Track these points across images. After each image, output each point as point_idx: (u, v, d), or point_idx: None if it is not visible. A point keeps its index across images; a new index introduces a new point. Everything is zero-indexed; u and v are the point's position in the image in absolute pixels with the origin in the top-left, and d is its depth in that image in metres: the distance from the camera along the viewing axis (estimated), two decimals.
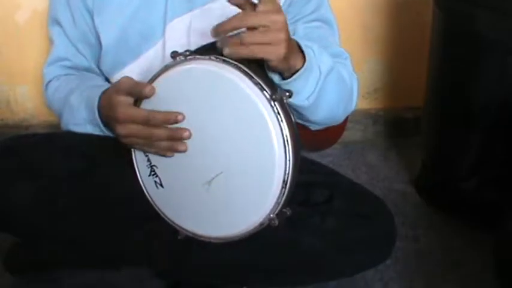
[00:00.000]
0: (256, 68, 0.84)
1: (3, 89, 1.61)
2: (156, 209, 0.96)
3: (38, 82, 1.53)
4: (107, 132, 1.01)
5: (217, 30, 0.81)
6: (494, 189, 1.35)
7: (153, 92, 0.87)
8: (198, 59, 0.84)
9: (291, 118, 0.84)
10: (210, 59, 0.84)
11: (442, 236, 1.35)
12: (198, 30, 1.05)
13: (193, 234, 0.94)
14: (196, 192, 0.90)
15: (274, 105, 0.82)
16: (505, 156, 1.31)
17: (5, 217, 1.00)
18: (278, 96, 0.82)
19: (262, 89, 0.82)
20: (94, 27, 1.09)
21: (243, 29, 0.81)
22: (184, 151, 0.88)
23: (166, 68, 0.87)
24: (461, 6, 1.27)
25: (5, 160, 1.00)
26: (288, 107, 0.84)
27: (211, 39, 0.85)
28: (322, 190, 1.07)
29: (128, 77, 0.91)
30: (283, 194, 0.85)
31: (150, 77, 0.89)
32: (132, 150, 0.94)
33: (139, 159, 0.94)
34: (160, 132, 0.88)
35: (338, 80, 0.97)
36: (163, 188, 0.93)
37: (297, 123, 0.90)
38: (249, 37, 0.80)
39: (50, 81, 1.15)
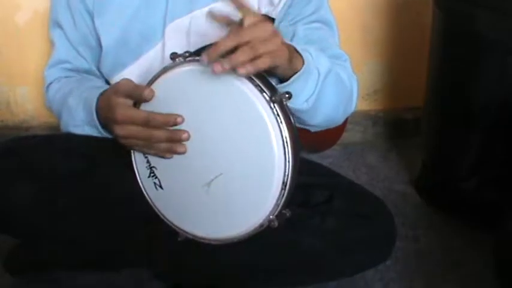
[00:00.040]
0: None
1: (3, 90, 1.61)
2: (156, 210, 0.96)
3: (38, 83, 1.54)
4: (105, 134, 1.01)
5: (212, 54, 0.79)
6: (494, 189, 1.35)
7: (152, 95, 0.87)
8: (197, 60, 0.84)
9: (290, 120, 0.84)
10: None
11: (442, 236, 1.36)
12: (197, 32, 1.05)
13: (193, 235, 0.94)
14: (195, 193, 0.90)
15: (274, 107, 0.82)
16: (505, 156, 1.31)
17: (5, 217, 1.01)
18: (277, 98, 0.82)
19: (261, 91, 0.81)
20: (94, 29, 1.09)
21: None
22: (183, 153, 0.89)
23: (165, 70, 0.87)
24: (461, 6, 1.27)
25: (5, 161, 1.01)
26: (287, 109, 0.84)
27: (210, 41, 0.85)
28: (322, 191, 1.07)
29: (127, 79, 0.91)
30: (283, 195, 0.85)
31: (149, 78, 0.89)
32: (132, 151, 0.94)
33: (138, 160, 0.94)
34: (159, 133, 0.88)
35: (337, 81, 0.97)
36: (163, 190, 0.93)
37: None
38: (263, 47, 0.79)
39: (50, 84, 1.15)
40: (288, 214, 0.88)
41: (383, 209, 1.08)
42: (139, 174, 0.95)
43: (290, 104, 0.87)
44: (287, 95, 0.83)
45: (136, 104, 0.90)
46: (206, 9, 1.06)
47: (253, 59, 0.78)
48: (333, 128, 1.06)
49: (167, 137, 0.88)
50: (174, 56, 0.86)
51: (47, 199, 0.99)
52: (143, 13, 1.07)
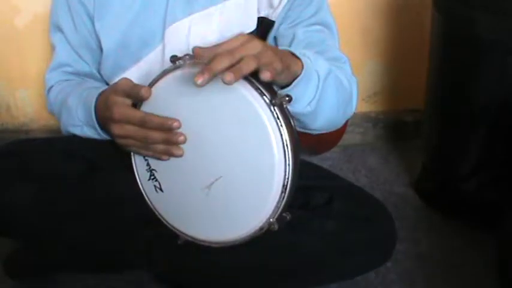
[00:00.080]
0: (256, 73, 0.84)
1: (3, 93, 1.61)
2: (156, 213, 0.96)
3: (38, 87, 1.54)
4: (103, 135, 1.01)
5: (206, 77, 0.76)
6: (495, 190, 1.35)
7: (149, 93, 0.87)
8: (197, 63, 0.84)
9: (290, 123, 0.84)
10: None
11: (443, 238, 1.35)
12: (197, 35, 1.05)
13: (193, 238, 0.94)
14: (196, 196, 0.90)
15: (274, 110, 0.81)
16: (505, 156, 1.31)
17: (5, 219, 1.01)
18: (278, 101, 0.81)
19: (261, 94, 0.81)
20: (95, 32, 1.10)
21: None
22: (180, 155, 0.89)
23: (165, 73, 0.87)
24: (460, 9, 1.27)
25: (5, 162, 1.01)
26: (287, 112, 0.84)
27: (210, 44, 0.85)
28: (321, 193, 1.07)
29: (126, 79, 0.92)
30: (283, 198, 0.85)
31: (149, 80, 0.89)
32: (132, 154, 0.94)
33: (138, 163, 0.94)
34: (156, 135, 0.88)
35: (336, 83, 0.97)
36: (163, 192, 0.93)
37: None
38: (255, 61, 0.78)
39: (51, 87, 1.15)
40: (288, 217, 0.88)
41: (383, 211, 1.08)
42: (139, 177, 0.95)
43: (292, 108, 0.87)
44: (287, 98, 0.83)
45: (137, 105, 0.90)
46: (205, 11, 1.06)
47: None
48: (333, 130, 1.06)
49: (163, 138, 0.88)
50: (174, 59, 0.86)
51: (47, 201, 1.00)
52: (143, 16, 1.07)
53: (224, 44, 0.80)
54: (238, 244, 0.90)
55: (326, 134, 1.05)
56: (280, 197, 0.84)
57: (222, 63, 0.76)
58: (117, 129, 0.90)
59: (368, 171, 1.61)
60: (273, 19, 1.08)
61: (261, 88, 0.82)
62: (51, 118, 1.57)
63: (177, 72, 0.86)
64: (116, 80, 1.08)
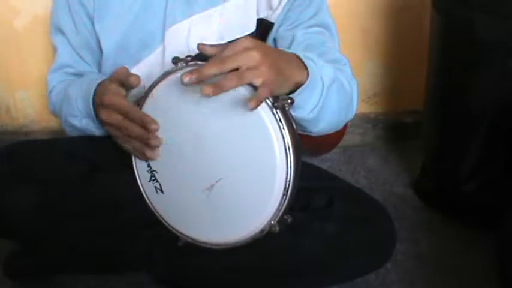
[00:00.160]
0: None
1: (3, 95, 1.60)
2: (157, 214, 0.96)
3: (38, 88, 1.54)
4: (100, 128, 1.01)
5: (193, 79, 0.77)
6: (494, 190, 1.35)
7: (138, 81, 0.90)
8: (199, 64, 0.84)
9: (292, 125, 0.84)
10: None
11: (442, 239, 1.35)
12: (197, 36, 1.05)
13: (194, 240, 0.94)
14: (196, 198, 0.90)
15: (276, 112, 0.81)
16: (505, 157, 1.31)
17: (6, 221, 1.01)
18: (280, 103, 0.81)
19: None
20: (95, 32, 1.10)
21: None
22: (151, 158, 0.91)
23: (166, 74, 0.87)
24: (460, 10, 1.27)
25: (6, 164, 1.01)
26: (290, 115, 0.84)
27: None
28: (321, 195, 1.07)
29: (123, 67, 0.94)
30: (284, 201, 0.85)
31: (150, 82, 0.89)
32: (133, 155, 0.94)
33: (139, 164, 0.94)
34: (136, 129, 0.89)
35: (339, 89, 0.97)
36: (164, 194, 0.93)
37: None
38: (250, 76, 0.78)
39: (53, 88, 1.16)
40: (289, 220, 0.88)
41: (383, 212, 1.08)
42: (140, 178, 0.95)
43: (295, 114, 0.87)
44: (289, 101, 0.83)
45: (139, 104, 0.90)
46: (205, 13, 1.06)
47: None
48: (333, 131, 1.06)
49: (141, 135, 0.89)
50: (176, 60, 0.86)
51: (48, 202, 1.00)
52: (142, 18, 1.08)
53: (227, 49, 0.80)
54: (239, 246, 0.90)
55: (326, 135, 1.05)
56: (281, 200, 0.85)
57: (211, 70, 0.77)
58: (104, 114, 0.92)
59: (368, 172, 1.61)
60: (272, 21, 1.08)
61: None
62: (51, 119, 1.57)
63: (179, 74, 0.86)
64: None
